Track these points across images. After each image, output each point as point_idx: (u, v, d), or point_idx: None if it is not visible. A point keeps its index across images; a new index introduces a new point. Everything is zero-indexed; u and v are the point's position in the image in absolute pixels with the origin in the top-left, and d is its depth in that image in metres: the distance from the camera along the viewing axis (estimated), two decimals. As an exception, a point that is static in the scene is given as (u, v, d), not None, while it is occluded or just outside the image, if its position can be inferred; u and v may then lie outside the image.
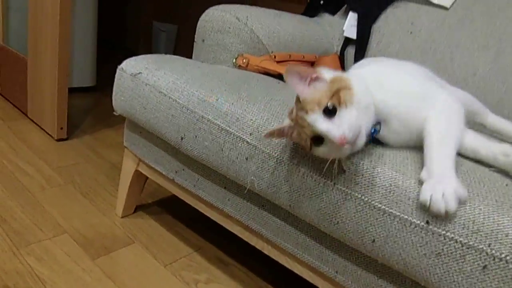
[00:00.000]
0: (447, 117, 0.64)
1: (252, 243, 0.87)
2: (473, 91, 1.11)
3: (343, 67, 1.26)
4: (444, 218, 0.56)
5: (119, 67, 0.98)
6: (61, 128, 1.55)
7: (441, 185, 0.55)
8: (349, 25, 1.26)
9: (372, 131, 0.63)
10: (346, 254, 0.71)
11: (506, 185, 0.60)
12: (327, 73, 0.61)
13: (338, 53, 1.29)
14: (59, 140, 1.55)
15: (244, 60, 1.03)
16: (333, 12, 1.34)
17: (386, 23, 1.26)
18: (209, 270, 1.02)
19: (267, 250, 0.85)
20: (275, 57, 1.09)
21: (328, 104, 0.57)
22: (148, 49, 3.03)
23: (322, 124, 0.56)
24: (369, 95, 0.62)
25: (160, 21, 2.98)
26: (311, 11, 1.37)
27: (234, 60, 1.06)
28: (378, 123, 0.64)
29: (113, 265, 0.98)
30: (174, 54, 1.10)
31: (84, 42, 2.03)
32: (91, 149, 1.54)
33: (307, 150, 0.62)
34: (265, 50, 1.11)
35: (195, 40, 1.14)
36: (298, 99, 0.61)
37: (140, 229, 1.13)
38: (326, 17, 1.35)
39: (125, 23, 3.16)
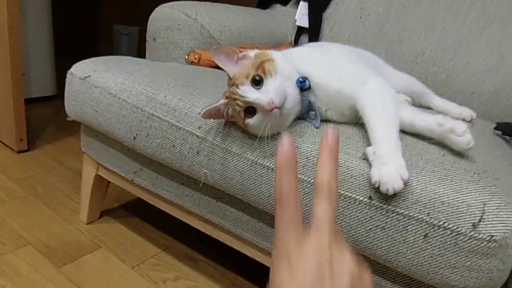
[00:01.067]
0: (382, 101, 0.66)
1: (214, 236, 0.88)
2: (422, 70, 1.15)
3: (297, 56, 1.27)
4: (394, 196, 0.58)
5: (69, 71, 0.97)
6: (21, 140, 1.51)
7: (386, 166, 0.57)
8: (301, 14, 1.27)
9: (301, 80, 0.66)
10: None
11: (443, 155, 0.63)
12: (251, 52, 0.67)
13: (293, 42, 1.30)
14: (19, 151, 1.51)
15: (196, 56, 1.03)
16: (284, 3, 1.35)
17: (337, 10, 1.28)
18: (178, 268, 1.02)
19: (229, 241, 0.86)
20: (227, 51, 1.09)
21: (255, 75, 0.62)
22: (110, 53, 2.98)
23: (251, 94, 0.61)
24: (291, 65, 0.66)
25: (121, 24, 2.93)
26: (263, 3, 1.38)
27: (186, 57, 1.06)
28: (305, 77, 0.67)
29: (79, 272, 0.97)
30: (138, 56, 1.10)
31: (40, 51, 1.98)
32: (53, 158, 1.51)
33: (242, 125, 0.66)
34: (217, 44, 1.11)
35: (147, 39, 1.13)
36: (229, 77, 0.65)
37: (106, 233, 1.12)
38: (278, 8, 1.37)
39: (85, 28, 3.10)
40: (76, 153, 1.53)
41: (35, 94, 1.99)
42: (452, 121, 0.62)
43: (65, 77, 0.97)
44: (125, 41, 2.92)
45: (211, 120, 0.73)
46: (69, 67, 0.97)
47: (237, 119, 0.67)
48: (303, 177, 0.65)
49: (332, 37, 1.26)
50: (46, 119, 1.86)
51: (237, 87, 0.62)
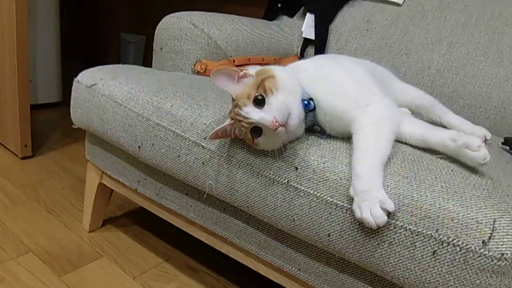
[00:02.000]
0: (376, 127, 0.63)
1: (218, 248, 0.87)
2: (428, 84, 1.15)
3: (303, 67, 1.27)
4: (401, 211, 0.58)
5: (75, 79, 0.97)
6: (25, 146, 1.51)
7: (367, 202, 0.56)
8: (307, 26, 1.28)
9: (306, 103, 0.65)
10: (306, 251, 0.71)
11: (452, 170, 0.62)
12: (252, 69, 0.65)
13: (298, 54, 1.30)
14: (24, 158, 1.51)
15: (202, 66, 1.04)
16: (291, 15, 1.35)
17: (343, 22, 1.29)
18: (179, 278, 1.01)
19: (233, 253, 0.85)
20: (234, 61, 1.09)
21: (256, 95, 0.61)
22: (117, 62, 3.00)
23: (255, 114, 0.60)
24: (294, 80, 0.65)
25: (128, 32, 2.95)
26: (270, 14, 1.38)
27: (192, 66, 1.06)
28: (310, 98, 0.66)
29: (80, 281, 0.96)
30: (144, 65, 1.10)
31: (48, 57, 1.99)
32: (58, 164, 1.51)
33: (251, 144, 0.65)
34: (224, 55, 1.11)
35: (154, 48, 1.14)
36: (232, 98, 0.64)
37: (108, 242, 1.11)
38: (285, 20, 1.37)
39: (93, 35, 3.13)
40: (80, 160, 1.53)
41: (41, 100, 2.00)
42: (466, 136, 0.62)
43: (71, 84, 0.98)
44: (132, 50, 2.94)
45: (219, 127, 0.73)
46: (76, 75, 0.97)
47: (245, 139, 0.66)
48: (310, 191, 0.64)
49: (338, 49, 1.27)
50: (51, 125, 1.86)
51: (240, 108, 0.61)
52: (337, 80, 0.70)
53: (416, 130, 0.69)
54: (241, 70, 0.65)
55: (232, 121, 0.65)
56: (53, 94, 2.06)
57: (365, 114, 0.64)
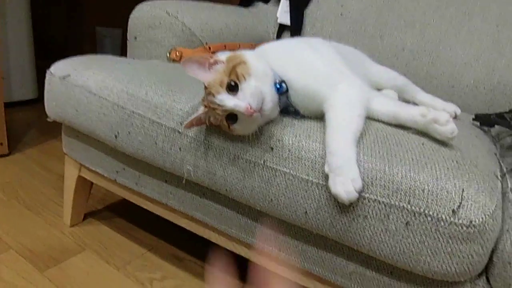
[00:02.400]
0: (347, 105, 0.65)
1: (200, 233, 0.87)
2: (403, 65, 1.17)
3: (280, 53, 1.28)
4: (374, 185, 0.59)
5: (48, 71, 0.95)
6: (1, 144, 1.48)
7: (341, 178, 0.58)
8: (282, 11, 1.28)
9: (278, 86, 0.65)
10: (286, 230, 0.72)
11: (422, 144, 0.63)
12: (223, 55, 0.64)
13: (275, 39, 1.30)
14: (0, 156, 1.48)
15: (177, 54, 1.03)
16: (266, 1, 1.35)
17: (318, 7, 1.29)
18: (164, 268, 1.01)
19: (215, 238, 0.85)
20: (210, 48, 1.09)
21: (229, 81, 0.60)
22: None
23: (229, 101, 0.59)
24: (265, 64, 0.65)
25: (103, 26, 2.90)
26: (245, 1, 1.38)
27: (167, 55, 1.05)
28: (282, 81, 0.66)
29: (63, 275, 0.96)
30: None
31: (21, 54, 1.95)
32: (36, 162, 1.48)
33: (227, 130, 0.64)
34: (199, 42, 1.11)
35: (128, 38, 1.13)
36: (205, 86, 0.63)
37: (91, 236, 1.10)
38: (260, 6, 1.37)
39: (67, 31, 3.06)
40: (59, 157, 1.51)
41: (16, 98, 1.96)
42: (435, 111, 0.63)
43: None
44: (108, 43, 2.89)
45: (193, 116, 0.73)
46: None
47: (221, 126, 0.65)
48: (286, 170, 0.65)
49: (313, 34, 1.27)
50: (27, 123, 1.82)
51: (213, 96, 0.61)
52: (307, 60, 0.71)
53: (387, 107, 0.70)
54: (212, 57, 0.64)
55: (206, 109, 0.64)
56: (28, 91, 2.01)
57: (336, 93, 0.65)
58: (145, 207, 0.95)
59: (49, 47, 2.79)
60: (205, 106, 0.64)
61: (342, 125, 0.62)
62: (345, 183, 0.57)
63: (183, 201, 0.84)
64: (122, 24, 2.79)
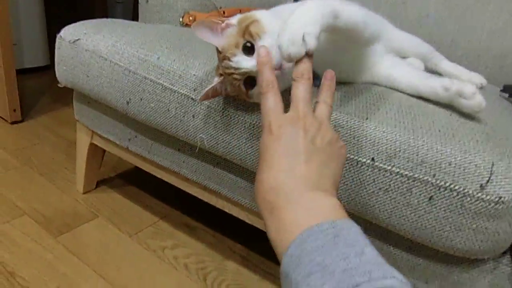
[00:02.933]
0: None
1: (213, 203, 0.86)
2: (426, 33, 1.10)
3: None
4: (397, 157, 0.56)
5: (58, 35, 0.92)
6: (14, 110, 1.48)
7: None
8: (300, -25, 1.21)
9: None
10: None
11: (450, 115, 0.60)
12: (233, 19, 0.60)
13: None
14: (13, 122, 1.48)
15: (191, 18, 0.99)
16: (283, -36, 1.28)
17: (338, -29, 1.22)
18: (176, 236, 1.01)
19: (228, 208, 0.84)
20: (224, 12, 1.04)
21: (244, 42, 0.56)
22: (105, 23, 2.89)
23: (246, 62, 0.56)
24: (279, 21, 0.59)
25: (114, -8, 2.84)
26: (261, -36, 1.31)
27: (180, 19, 1.01)
28: None
29: (76, 241, 0.96)
30: None
31: (32, 20, 1.91)
32: (48, 129, 1.48)
33: (245, 98, 0.60)
34: (213, 6, 1.06)
35: (139, 1, 1.08)
36: (218, 51, 0.59)
37: (103, 203, 1.10)
38: (276, -31, 1.30)
39: (78, -3, 3.01)
40: (71, 124, 1.49)
41: (28, 64, 1.94)
42: (459, 83, 0.59)
43: None
44: (120, 9, 2.84)
45: (207, 82, 0.70)
46: None
47: (238, 93, 0.61)
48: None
49: None
50: (39, 89, 1.81)
51: (229, 60, 0.57)
52: None
53: (409, 78, 0.66)
54: (222, 21, 0.59)
55: (222, 77, 0.60)
56: (40, 58, 1.99)
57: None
58: (157, 175, 0.93)
59: (59, 14, 2.74)
60: (220, 75, 0.60)
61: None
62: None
63: (196, 170, 0.82)
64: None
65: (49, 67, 2.01)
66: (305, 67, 0.48)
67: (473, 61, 1.05)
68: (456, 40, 1.07)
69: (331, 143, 0.46)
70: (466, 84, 0.59)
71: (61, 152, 1.33)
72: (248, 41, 0.56)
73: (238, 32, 0.58)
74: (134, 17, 2.71)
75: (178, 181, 0.89)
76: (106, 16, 2.82)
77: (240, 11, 1.07)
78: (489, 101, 0.66)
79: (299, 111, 0.46)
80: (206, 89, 0.62)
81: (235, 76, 0.57)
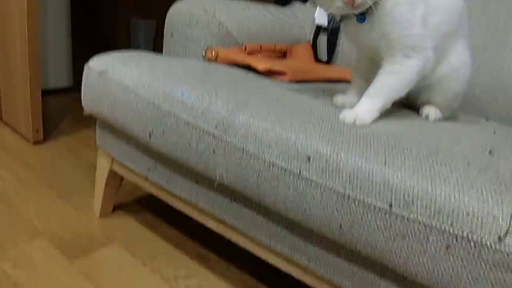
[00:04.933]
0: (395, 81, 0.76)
1: (228, 237, 0.87)
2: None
3: (316, 55, 1.25)
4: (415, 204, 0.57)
5: (86, 65, 0.97)
6: (37, 131, 1.52)
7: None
8: (320, 12, 1.25)
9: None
10: (317, 242, 0.71)
11: (468, 164, 0.60)
12: None
13: (311, 41, 1.28)
14: (35, 143, 1.53)
15: (214, 53, 1.02)
16: (304, 0, 1.33)
17: (357, 9, 1.26)
18: (189, 266, 1.02)
19: (243, 242, 0.85)
20: (245, 48, 1.08)
21: None
22: (127, 46, 2.99)
23: None
24: None
25: (138, 17, 2.94)
26: (282, 0, 1.36)
27: (203, 53, 1.05)
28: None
29: (91, 265, 0.98)
30: (154, 50, 1.10)
31: (58, 42, 1.99)
32: (69, 150, 1.52)
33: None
34: (235, 41, 1.10)
35: (164, 34, 1.13)
36: None
37: (119, 228, 1.12)
38: (297, 6, 1.35)
39: (103, 20, 3.12)
40: (91, 146, 1.54)
41: (52, 85, 2.01)
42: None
43: (81, 69, 0.97)
44: (142, 35, 2.93)
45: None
46: (86, 60, 0.97)
47: None
48: (321, 182, 0.63)
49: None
50: (62, 111, 1.87)
51: None
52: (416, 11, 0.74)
53: None
54: None
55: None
56: (64, 79, 2.06)
57: (402, 63, 0.74)
58: (174, 205, 0.95)
59: (84, 37, 2.84)
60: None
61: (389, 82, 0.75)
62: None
63: (213, 203, 0.83)
64: (156, 16, 2.82)
65: (73, 89, 2.07)
66: None
67: (490, 102, 1.06)
68: (473, 80, 1.08)
69: None
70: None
71: (81, 174, 1.36)
72: None
73: None
74: (156, 41, 2.80)
75: (195, 212, 0.91)
76: (129, 40, 2.91)
77: (261, 47, 1.12)
78: (506, 145, 0.67)
79: None
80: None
81: None
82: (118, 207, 1.20)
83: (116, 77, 0.89)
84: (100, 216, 1.15)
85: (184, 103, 0.78)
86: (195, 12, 1.08)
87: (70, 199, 1.22)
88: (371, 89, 0.75)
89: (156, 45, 2.83)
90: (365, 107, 0.73)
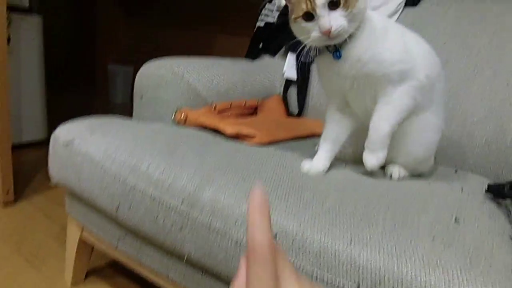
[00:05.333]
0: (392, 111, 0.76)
1: (201, 308, 0.84)
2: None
3: (287, 108, 1.27)
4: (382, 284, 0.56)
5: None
6: (7, 192, 1.48)
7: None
8: (289, 66, 1.27)
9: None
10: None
11: (433, 239, 0.60)
12: None
13: (281, 94, 1.30)
14: (6, 204, 1.48)
15: (183, 115, 1.02)
16: (273, 54, 1.35)
17: (325, 62, 1.29)
18: (164, 336, 0.97)
19: (216, 314, 0.82)
20: (215, 107, 1.08)
21: None
22: (105, 93, 2.99)
23: (322, 9, 0.65)
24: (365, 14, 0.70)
25: (115, 63, 2.95)
26: (252, 54, 1.38)
27: (172, 116, 1.04)
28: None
29: None
30: (131, 96, 1.11)
31: (32, 92, 1.96)
32: (41, 210, 1.47)
33: (292, 18, 0.70)
34: (205, 101, 1.10)
35: (134, 97, 1.13)
36: None
37: (91, 297, 1.08)
38: (267, 59, 1.37)
39: (79, 67, 3.12)
40: (64, 204, 1.50)
41: (25, 139, 1.97)
42: None
43: (56, 121, 0.95)
44: (120, 81, 2.94)
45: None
46: (62, 109, 0.95)
47: (295, 10, 0.68)
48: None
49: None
50: (35, 166, 1.83)
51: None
52: (404, 38, 0.76)
53: None
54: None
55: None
56: (38, 132, 2.03)
57: (391, 94, 0.74)
58: (146, 276, 0.92)
59: (60, 84, 2.83)
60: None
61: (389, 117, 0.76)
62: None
63: (184, 276, 0.81)
64: (134, 62, 2.84)
65: (46, 142, 2.03)
66: None
67: (458, 150, 1.08)
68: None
69: None
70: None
71: (52, 238, 1.32)
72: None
73: None
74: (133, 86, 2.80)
75: (166, 283, 0.87)
76: (107, 85, 2.91)
77: (231, 105, 1.12)
78: (474, 204, 0.67)
79: None
80: None
81: (306, 3, 0.66)
82: (91, 272, 1.16)
83: (82, 148, 0.88)
84: (71, 286, 1.10)
85: (150, 177, 0.77)
86: (164, 73, 1.08)
87: (41, 267, 1.17)
88: (371, 144, 0.77)
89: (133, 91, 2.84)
90: (371, 162, 0.78)
